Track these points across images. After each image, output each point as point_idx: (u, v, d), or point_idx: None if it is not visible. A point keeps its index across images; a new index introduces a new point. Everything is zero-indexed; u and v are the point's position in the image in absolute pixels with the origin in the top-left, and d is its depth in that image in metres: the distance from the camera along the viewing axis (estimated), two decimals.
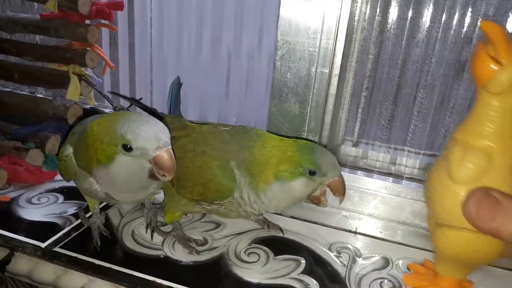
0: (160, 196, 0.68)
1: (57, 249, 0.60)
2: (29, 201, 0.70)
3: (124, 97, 0.75)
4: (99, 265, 0.58)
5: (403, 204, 0.71)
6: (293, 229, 0.69)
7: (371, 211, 0.72)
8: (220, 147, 0.59)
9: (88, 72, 0.85)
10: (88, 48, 0.83)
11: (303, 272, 0.59)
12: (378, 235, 0.70)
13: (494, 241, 0.42)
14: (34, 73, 0.86)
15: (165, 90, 0.75)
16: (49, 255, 0.60)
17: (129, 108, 0.80)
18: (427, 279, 0.57)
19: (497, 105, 0.43)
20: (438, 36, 0.71)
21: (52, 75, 0.84)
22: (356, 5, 0.71)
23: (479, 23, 0.67)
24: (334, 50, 0.69)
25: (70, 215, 0.67)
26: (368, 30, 0.73)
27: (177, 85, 0.77)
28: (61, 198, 0.72)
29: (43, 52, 0.86)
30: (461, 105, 0.72)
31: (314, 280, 0.58)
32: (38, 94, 1.02)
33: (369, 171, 0.76)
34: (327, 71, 0.68)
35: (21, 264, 0.61)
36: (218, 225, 0.69)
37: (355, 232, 0.71)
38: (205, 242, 0.64)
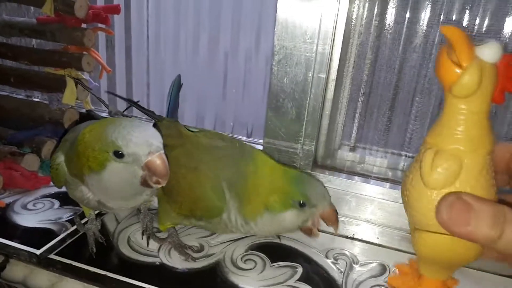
0: (157, 201, 0.67)
1: (52, 256, 0.60)
2: (24, 207, 0.70)
3: (122, 98, 0.74)
4: (94, 272, 0.58)
5: (401, 210, 0.69)
6: (290, 236, 0.69)
7: (368, 217, 0.71)
8: (214, 165, 0.58)
9: (85, 76, 0.85)
10: (84, 52, 0.82)
11: (300, 280, 0.59)
12: (375, 241, 0.70)
13: (470, 243, 0.42)
14: (30, 77, 0.86)
15: (162, 94, 0.75)
16: (44, 262, 0.59)
17: (126, 111, 0.80)
18: (412, 280, 0.58)
19: (464, 109, 0.43)
20: (435, 40, 0.70)
21: (48, 79, 0.84)
22: (353, 10, 0.70)
23: (475, 27, 0.67)
24: (331, 55, 0.68)
25: (66, 221, 0.67)
26: (365, 35, 0.73)
27: (177, 86, 0.76)
28: (57, 203, 0.72)
29: (40, 56, 0.86)
30: None
31: None
32: (34, 98, 1.02)
33: (366, 176, 0.76)
34: (324, 76, 0.68)
35: (16, 271, 0.61)
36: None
37: (352, 238, 0.71)
38: (201, 248, 0.64)
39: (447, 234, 0.42)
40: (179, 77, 0.77)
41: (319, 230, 0.57)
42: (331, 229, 0.70)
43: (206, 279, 0.58)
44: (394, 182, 0.74)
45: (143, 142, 0.50)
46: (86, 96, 0.86)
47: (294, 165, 0.73)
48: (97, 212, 0.66)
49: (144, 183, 0.52)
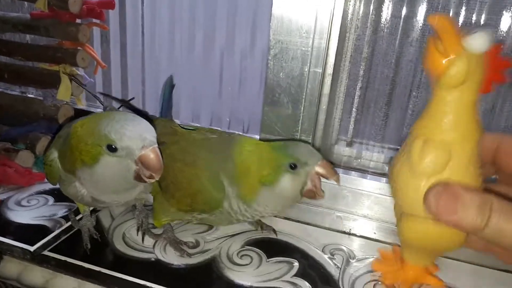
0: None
1: (46, 252, 0.60)
2: (18, 203, 0.69)
3: (115, 99, 0.73)
4: (89, 268, 0.57)
5: None
6: (286, 231, 0.69)
7: (365, 212, 0.71)
8: (209, 158, 0.58)
9: (80, 72, 0.84)
10: (79, 48, 0.81)
11: (296, 275, 0.58)
12: (372, 236, 0.70)
13: (456, 231, 0.43)
14: (24, 73, 0.85)
15: (157, 90, 0.74)
16: (38, 259, 0.59)
17: (121, 108, 0.79)
18: (395, 265, 0.58)
19: (451, 99, 0.43)
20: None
21: (43, 75, 0.83)
22: (349, 4, 0.70)
23: (472, 21, 0.67)
24: (327, 49, 0.68)
25: (60, 217, 0.66)
26: (361, 29, 0.72)
27: (169, 86, 0.76)
28: (51, 200, 0.71)
29: (34, 51, 0.85)
30: None
31: (307, 283, 0.57)
32: (29, 94, 1.01)
33: (363, 171, 0.75)
34: (320, 71, 0.68)
35: (10, 268, 0.60)
36: (210, 227, 0.68)
37: (349, 233, 0.70)
38: (197, 244, 0.64)
39: (434, 222, 0.43)
40: (171, 77, 0.77)
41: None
42: (327, 224, 0.71)
43: (201, 275, 0.58)
44: None
45: (136, 136, 0.49)
46: (81, 92, 0.85)
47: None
48: (92, 208, 0.66)
49: (138, 177, 0.51)
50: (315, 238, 0.67)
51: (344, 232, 0.70)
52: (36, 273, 0.59)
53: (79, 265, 0.58)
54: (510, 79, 0.43)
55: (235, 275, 0.58)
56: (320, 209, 0.72)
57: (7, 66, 0.87)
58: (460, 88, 0.42)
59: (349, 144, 0.80)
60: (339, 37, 0.68)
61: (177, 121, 0.90)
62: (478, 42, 0.41)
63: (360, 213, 0.71)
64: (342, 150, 0.80)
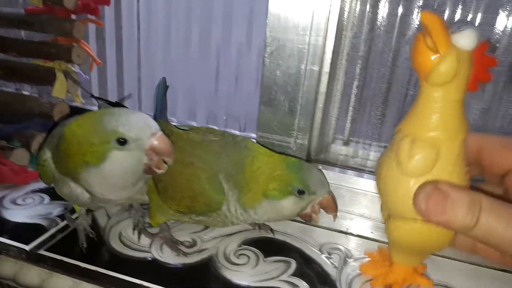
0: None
1: (42, 251, 0.59)
2: (13, 202, 0.69)
3: (108, 102, 0.72)
4: (85, 268, 0.57)
5: None
6: (284, 230, 0.69)
7: (362, 211, 0.71)
8: (209, 159, 0.58)
9: (75, 68, 0.84)
10: (74, 44, 0.81)
11: (294, 274, 0.58)
12: (370, 235, 0.70)
13: (445, 230, 0.44)
14: (19, 69, 0.84)
15: (153, 87, 0.74)
16: (34, 258, 0.59)
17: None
18: (384, 267, 0.58)
19: (439, 97, 0.43)
20: None
21: (38, 71, 0.82)
22: (346, 1, 0.69)
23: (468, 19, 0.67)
24: (324, 47, 0.68)
25: (56, 216, 0.66)
26: (358, 27, 0.72)
27: (163, 88, 0.74)
28: (47, 198, 0.71)
29: (28, 47, 0.84)
30: None
31: (304, 282, 0.57)
32: (24, 91, 1.00)
33: (360, 170, 0.75)
34: (317, 69, 0.67)
35: (6, 267, 0.60)
36: (207, 226, 0.68)
37: (346, 233, 0.70)
38: (193, 243, 0.64)
39: (423, 221, 0.44)
40: (164, 79, 0.76)
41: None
42: (324, 223, 0.70)
43: (198, 274, 0.57)
44: None
45: (143, 125, 0.50)
46: (76, 90, 0.84)
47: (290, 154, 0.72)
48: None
49: (148, 170, 0.52)
50: (312, 238, 0.67)
51: (341, 232, 0.70)
52: (32, 273, 0.59)
53: (75, 264, 0.57)
54: (494, 77, 0.44)
55: (232, 275, 0.58)
56: None
57: (1, 63, 0.86)
58: (448, 85, 0.42)
59: (346, 143, 0.80)
60: (335, 35, 0.68)
61: (173, 119, 0.90)
62: (468, 40, 0.41)
63: (357, 212, 0.72)
64: (338, 149, 0.80)
